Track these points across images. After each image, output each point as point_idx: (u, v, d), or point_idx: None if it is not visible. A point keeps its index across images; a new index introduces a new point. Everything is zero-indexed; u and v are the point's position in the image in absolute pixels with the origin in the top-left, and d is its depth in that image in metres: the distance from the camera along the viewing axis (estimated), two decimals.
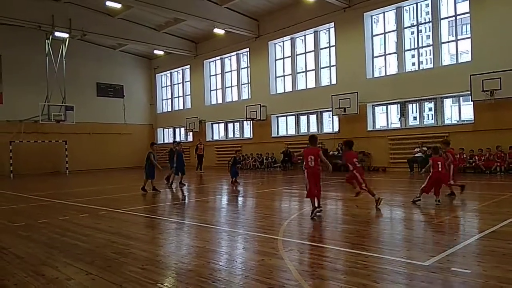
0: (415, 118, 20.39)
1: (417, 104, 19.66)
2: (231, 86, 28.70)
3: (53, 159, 27.37)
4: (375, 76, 20.81)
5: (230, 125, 28.96)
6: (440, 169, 8.91)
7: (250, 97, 26.56)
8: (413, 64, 20.14)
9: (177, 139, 29.20)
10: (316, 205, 7.59)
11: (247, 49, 26.52)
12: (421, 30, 20.04)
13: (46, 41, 24.97)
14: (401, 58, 19.80)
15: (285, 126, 25.30)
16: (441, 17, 18.60)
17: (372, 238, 5.92)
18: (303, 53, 24.19)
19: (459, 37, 18.40)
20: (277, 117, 25.40)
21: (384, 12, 20.40)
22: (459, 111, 18.50)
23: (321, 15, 21.86)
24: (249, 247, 5.64)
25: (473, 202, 9.47)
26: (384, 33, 20.57)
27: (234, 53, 27.77)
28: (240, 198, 11.76)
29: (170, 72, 33.67)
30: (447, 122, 18.73)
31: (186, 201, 11.59)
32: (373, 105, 20.81)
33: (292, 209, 9.36)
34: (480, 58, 16.71)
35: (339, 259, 4.85)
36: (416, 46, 20.04)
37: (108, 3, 21.02)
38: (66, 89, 25.83)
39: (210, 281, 4.13)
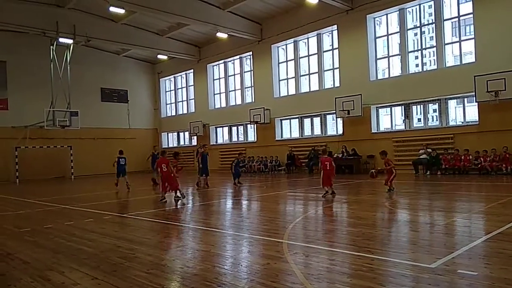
0: (419, 119, 20.33)
1: (421, 105, 19.60)
2: (235, 90, 28.75)
3: (58, 165, 27.48)
4: (379, 78, 20.78)
5: (234, 129, 29.00)
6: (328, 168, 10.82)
7: (253, 101, 26.60)
8: (417, 65, 20.11)
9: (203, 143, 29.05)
10: (165, 196, 11.48)
11: (250, 52, 26.57)
12: (424, 32, 20.00)
13: (51, 47, 25.17)
14: (405, 60, 19.75)
15: (289, 129, 25.28)
16: (444, 18, 18.56)
17: (378, 241, 5.89)
18: (306, 56, 24.21)
19: (462, 38, 18.35)
20: (281, 120, 25.40)
21: (387, 14, 20.39)
22: (463, 112, 18.42)
23: (324, 17, 21.89)
24: (254, 251, 5.63)
25: (479, 204, 9.41)
26: (387, 35, 20.55)
27: (237, 56, 27.84)
28: (244, 202, 11.76)
29: (174, 77, 33.80)
30: (451, 123, 18.65)
31: (190, 205, 11.59)
32: (377, 107, 20.77)
33: (297, 212, 9.34)
34: (484, 58, 16.65)
35: (344, 262, 4.82)
36: (419, 48, 20.01)
37: (112, 9, 21.16)
38: (70, 95, 26.01)
39: (216, 285, 4.12)
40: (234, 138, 29.01)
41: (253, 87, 26.90)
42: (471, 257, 4.80)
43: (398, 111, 20.51)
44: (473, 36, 17.47)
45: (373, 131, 20.61)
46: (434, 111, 20.07)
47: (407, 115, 19.83)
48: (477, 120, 17.25)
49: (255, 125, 25.98)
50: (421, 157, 18.16)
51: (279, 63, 25.48)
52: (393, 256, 4.91)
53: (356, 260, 4.83)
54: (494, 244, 5.35)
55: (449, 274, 4.15)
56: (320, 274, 4.33)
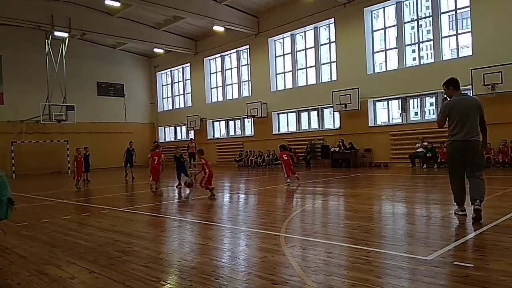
0: (416, 113, 20.35)
1: (418, 99, 19.62)
2: (232, 84, 28.68)
3: (54, 159, 27.40)
4: (376, 71, 20.78)
5: (231, 123, 28.96)
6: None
7: (250, 95, 26.55)
8: (414, 59, 20.09)
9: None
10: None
11: (247, 46, 26.47)
12: (421, 25, 19.97)
13: (46, 40, 24.98)
14: (402, 53, 19.74)
15: (286, 123, 25.28)
16: (442, 11, 18.54)
17: (374, 234, 5.92)
18: (303, 50, 24.15)
19: (459, 32, 18.34)
20: (278, 114, 25.38)
21: (384, 7, 20.34)
22: None
23: (321, 11, 21.81)
24: (251, 244, 5.65)
25: None
26: (384, 28, 20.52)
27: (234, 50, 27.73)
28: (241, 196, 11.78)
29: (170, 70, 33.67)
30: None
31: (188, 199, 11.60)
32: (374, 100, 20.78)
33: (294, 206, 9.36)
34: (480, 52, 16.66)
35: (341, 255, 4.84)
36: (416, 41, 19.99)
37: (107, 2, 21.00)
38: (66, 89, 25.87)
39: (213, 278, 4.13)
40: (231, 132, 28.99)
41: (250, 81, 26.83)
42: (467, 249, 4.84)
43: (395, 104, 20.54)
44: (470, 30, 17.47)
45: (370, 124, 20.65)
46: (431, 104, 20.08)
47: (404, 109, 19.87)
48: None
49: (252, 119, 25.95)
50: (417, 150, 18.23)
51: (276, 56, 25.41)
52: (390, 249, 4.93)
53: (353, 252, 4.85)
54: (490, 236, 5.38)
55: (445, 266, 4.18)
56: (317, 267, 4.35)
